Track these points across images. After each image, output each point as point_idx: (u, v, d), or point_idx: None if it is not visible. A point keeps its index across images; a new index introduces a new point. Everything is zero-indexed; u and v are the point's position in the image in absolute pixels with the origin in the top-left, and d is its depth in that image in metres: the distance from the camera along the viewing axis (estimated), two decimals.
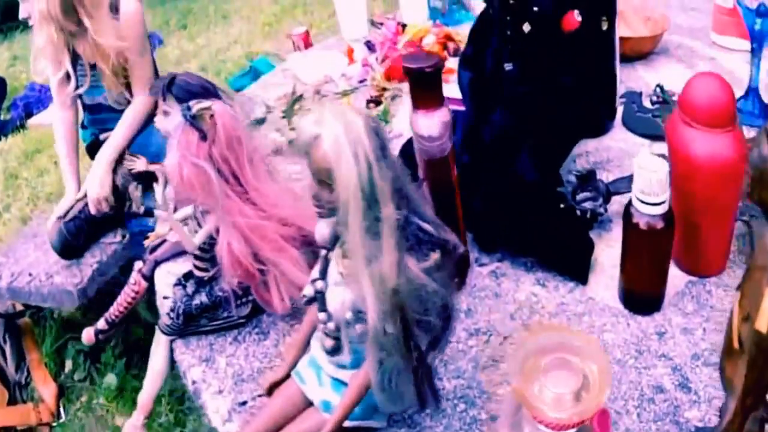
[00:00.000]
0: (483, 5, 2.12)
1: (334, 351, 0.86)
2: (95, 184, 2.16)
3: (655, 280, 1.07)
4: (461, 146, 1.28)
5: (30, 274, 2.23)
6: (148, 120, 2.21)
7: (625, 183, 1.23)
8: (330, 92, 1.83)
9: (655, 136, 1.42)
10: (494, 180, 1.20)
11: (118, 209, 2.23)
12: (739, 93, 1.43)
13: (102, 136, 2.38)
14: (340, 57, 2.06)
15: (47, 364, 2.41)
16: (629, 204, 1.00)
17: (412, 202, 0.76)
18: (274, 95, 1.91)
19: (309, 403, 0.91)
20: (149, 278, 1.32)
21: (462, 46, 1.94)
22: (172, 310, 1.11)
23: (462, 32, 2.05)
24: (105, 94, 2.21)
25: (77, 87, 2.18)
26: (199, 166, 0.95)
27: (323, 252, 0.85)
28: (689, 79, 1.02)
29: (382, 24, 2.28)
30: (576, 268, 1.15)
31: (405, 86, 1.80)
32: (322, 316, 0.84)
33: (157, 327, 1.15)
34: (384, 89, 1.75)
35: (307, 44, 3.15)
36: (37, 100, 3.89)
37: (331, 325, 0.84)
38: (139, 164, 1.43)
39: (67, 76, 2.19)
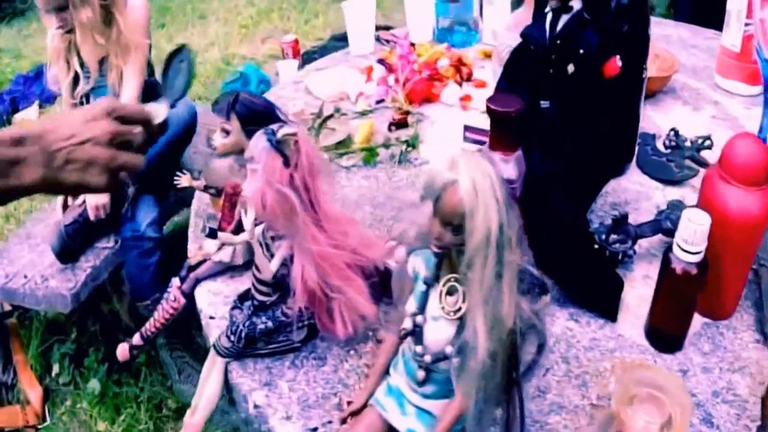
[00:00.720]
0: (491, 26, 2.21)
1: (424, 382, 0.91)
2: None
3: (681, 321, 1.15)
4: None
5: (25, 276, 2.22)
6: None
7: (648, 227, 1.31)
8: (350, 111, 1.85)
9: (669, 181, 1.50)
10: (526, 217, 1.25)
11: (114, 213, 2.25)
12: None
13: None
14: (353, 73, 2.09)
15: (32, 366, 2.40)
16: (668, 250, 1.08)
17: (524, 247, 0.81)
18: (289, 110, 1.92)
19: (389, 431, 0.96)
20: (189, 296, 1.34)
21: (474, 71, 2.00)
22: (233, 333, 1.14)
23: (471, 55, 2.13)
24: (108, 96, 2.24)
25: (86, 85, 2.25)
26: (283, 193, 0.96)
27: (422, 287, 0.89)
28: (730, 138, 1.11)
29: (388, 41, 2.34)
30: (607, 306, 1.22)
31: (426, 110, 1.85)
32: (419, 349, 0.89)
33: (212, 348, 1.17)
34: (407, 113, 1.78)
35: (296, 52, 3.19)
36: (23, 95, 3.83)
37: (427, 358, 0.88)
38: (183, 180, 1.43)
39: (75, 79, 2.25)
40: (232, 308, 1.18)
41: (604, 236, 1.27)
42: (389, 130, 1.74)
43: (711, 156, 1.49)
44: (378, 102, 1.88)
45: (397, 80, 1.85)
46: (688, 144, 1.53)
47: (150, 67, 2.42)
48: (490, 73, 2.02)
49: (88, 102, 2.35)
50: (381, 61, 2.04)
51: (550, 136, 1.25)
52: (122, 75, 2.25)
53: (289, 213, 0.98)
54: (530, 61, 1.25)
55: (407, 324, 0.89)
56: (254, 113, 1.15)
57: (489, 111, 1.02)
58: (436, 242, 0.82)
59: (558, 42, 1.19)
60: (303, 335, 1.16)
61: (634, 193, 1.50)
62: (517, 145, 1.03)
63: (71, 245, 2.22)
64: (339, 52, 2.40)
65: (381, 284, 1.14)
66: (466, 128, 1.65)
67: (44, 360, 2.43)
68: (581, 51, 1.18)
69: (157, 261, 2.31)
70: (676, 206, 1.37)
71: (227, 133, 1.17)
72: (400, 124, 1.74)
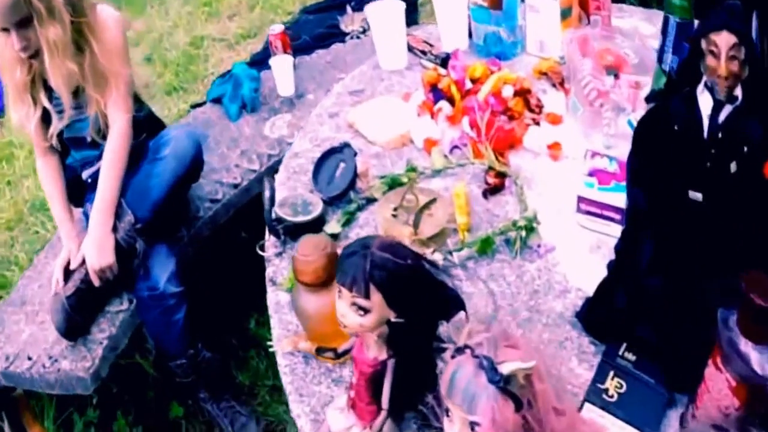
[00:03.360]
0: (536, 36, 1.81)
1: None
2: (94, 252, 1.78)
3: None
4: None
5: (29, 358, 1.82)
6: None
7: None
8: (427, 169, 1.42)
9: None
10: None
11: (123, 270, 1.82)
12: None
13: (84, 174, 1.97)
14: (403, 106, 1.70)
15: None
16: None
17: None
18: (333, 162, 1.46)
19: None
20: None
21: (541, 100, 1.60)
22: None
23: (520, 71, 1.76)
24: (88, 131, 1.84)
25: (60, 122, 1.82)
26: None
27: None
28: None
29: (424, 52, 1.90)
30: None
31: (510, 159, 1.46)
32: None
33: None
34: (502, 174, 1.39)
35: (285, 44, 2.67)
36: None
37: None
38: (286, 344, 1.05)
39: (45, 116, 1.82)
40: None
41: None
42: (485, 197, 1.34)
43: None
44: (452, 149, 1.46)
45: (476, 127, 1.43)
46: None
47: (138, 101, 1.95)
48: (557, 102, 1.65)
49: (64, 141, 1.90)
50: (437, 91, 1.61)
51: (697, 231, 1.03)
52: (106, 109, 1.81)
53: None
54: (673, 144, 1.02)
55: None
56: (400, 279, 0.81)
57: (750, 303, 0.80)
58: None
59: (719, 136, 0.99)
60: None
61: None
62: None
63: (78, 319, 1.80)
64: (366, 65, 1.96)
65: None
66: (580, 199, 1.30)
67: (65, 430, 2.07)
68: (745, 149, 0.99)
69: (185, 314, 1.90)
70: None
71: (364, 311, 0.82)
72: (496, 188, 1.34)
